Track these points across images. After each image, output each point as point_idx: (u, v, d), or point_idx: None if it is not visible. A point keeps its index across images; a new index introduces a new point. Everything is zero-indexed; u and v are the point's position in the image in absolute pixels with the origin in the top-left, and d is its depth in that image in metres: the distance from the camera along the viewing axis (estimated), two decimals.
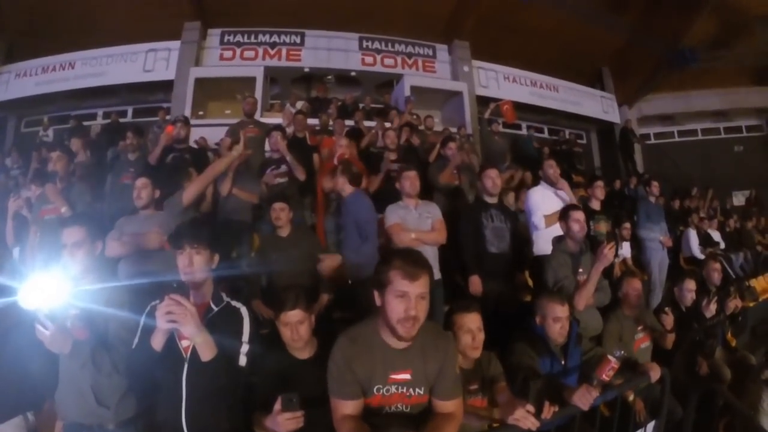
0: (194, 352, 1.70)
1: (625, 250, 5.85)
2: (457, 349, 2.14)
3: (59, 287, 1.55)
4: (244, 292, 3.16)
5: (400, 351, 1.66)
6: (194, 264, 1.79)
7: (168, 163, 4.48)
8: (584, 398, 2.03)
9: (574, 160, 10.14)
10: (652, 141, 13.40)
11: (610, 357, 2.15)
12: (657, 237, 5.58)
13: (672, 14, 10.32)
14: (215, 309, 1.84)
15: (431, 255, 3.16)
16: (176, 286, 1.73)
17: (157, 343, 1.68)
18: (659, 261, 5.55)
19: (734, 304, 4.05)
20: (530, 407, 1.81)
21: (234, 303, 1.90)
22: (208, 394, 1.71)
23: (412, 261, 1.58)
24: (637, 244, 5.84)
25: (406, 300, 1.54)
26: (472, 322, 2.23)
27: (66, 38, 9.32)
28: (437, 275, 3.24)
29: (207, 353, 1.68)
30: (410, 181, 3.43)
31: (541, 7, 9.90)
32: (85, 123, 9.40)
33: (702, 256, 6.36)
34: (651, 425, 2.61)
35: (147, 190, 3.07)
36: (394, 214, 3.35)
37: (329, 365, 1.68)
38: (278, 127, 4.68)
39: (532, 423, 1.77)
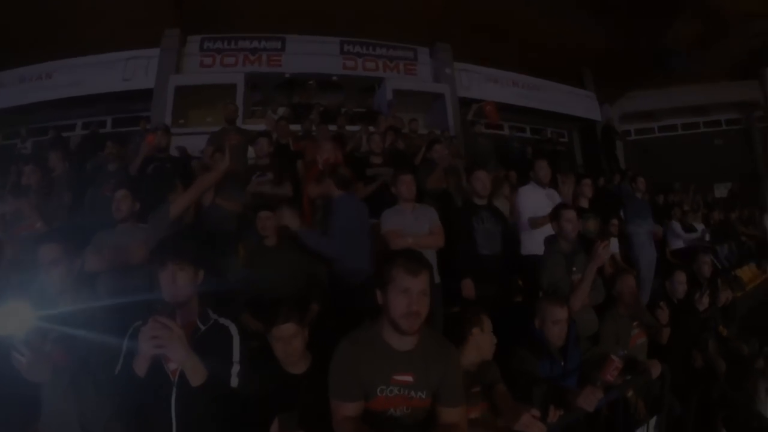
0: (182, 375, 1.59)
1: (613, 246, 5.88)
2: (479, 350, 2.18)
3: (35, 310, 1.46)
4: (231, 305, 3.05)
5: (403, 353, 1.65)
6: (177, 281, 1.69)
7: (148, 173, 4.36)
8: (589, 400, 2.01)
9: (560, 159, 10.18)
10: (633, 137, 13.56)
11: (613, 357, 2.12)
12: (646, 233, 5.59)
13: (654, 15, 10.38)
14: (203, 328, 1.73)
15: (430, 259, 3.10)
16: (161, 307, 1.60)
17: (141, 368, 1.55)
18: (648, 257, 5.57)
19: (725, 295, 4.08)
20: (536, 412, 1.79)
21: (222, 320, 1.79)
22: (199, 418, 1.60)
23: (415, 259, 1.63)
24: (625, 241, 5.86)
25: (408, 295, 1.57)
26: (490, 326, 2.27)
27: (43, 48, 9.04)
28: (437, 279, 3.20)
29: (197, 378, 1.57)
30: (406, 185, 3.37)
31: (523, 8, 9.92)
32: (64, 134, 9.12)
33: (693, 233, 6.41)
34: (653, 421, 2.60)
35: (126, 202, 2.96)
36: (390, 219, 3.29)
37: (331, 367, 1.66)
38: (265, 134, 4.60)
39: (539, 429, 1.75)
